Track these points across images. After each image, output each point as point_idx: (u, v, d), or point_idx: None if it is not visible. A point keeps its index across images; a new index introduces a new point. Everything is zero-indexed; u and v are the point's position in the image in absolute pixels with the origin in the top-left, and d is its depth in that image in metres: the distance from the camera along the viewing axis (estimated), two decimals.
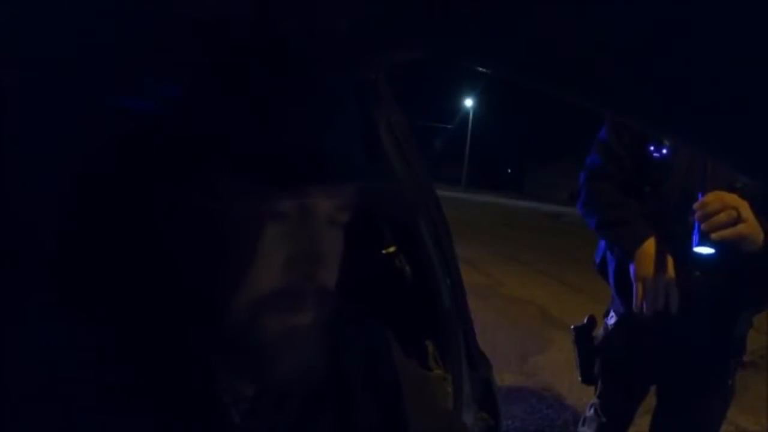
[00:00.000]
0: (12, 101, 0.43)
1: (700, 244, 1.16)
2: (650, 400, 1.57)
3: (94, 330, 0.40)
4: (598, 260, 1.56)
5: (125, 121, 0.42)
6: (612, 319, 1.51)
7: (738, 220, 1.12)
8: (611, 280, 1.48)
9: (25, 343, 0.38)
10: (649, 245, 1.30)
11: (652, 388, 1.56)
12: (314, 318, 0.45)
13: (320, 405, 0.50)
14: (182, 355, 0.43)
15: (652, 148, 1.34)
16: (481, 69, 0.44)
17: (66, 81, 0.43)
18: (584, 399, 2.71)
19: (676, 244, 1.26)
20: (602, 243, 1.54)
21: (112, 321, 0.40)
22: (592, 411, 1.59)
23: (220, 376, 0.45)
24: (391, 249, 1.13)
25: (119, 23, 0.44)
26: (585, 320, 1.58)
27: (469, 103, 37.48)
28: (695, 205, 1.17)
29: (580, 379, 1.60)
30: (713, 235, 1.13)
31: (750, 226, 1.13)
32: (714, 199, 1.15)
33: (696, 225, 1.17)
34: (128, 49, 0.42)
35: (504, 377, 3.10)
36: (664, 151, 1.33)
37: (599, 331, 1.56)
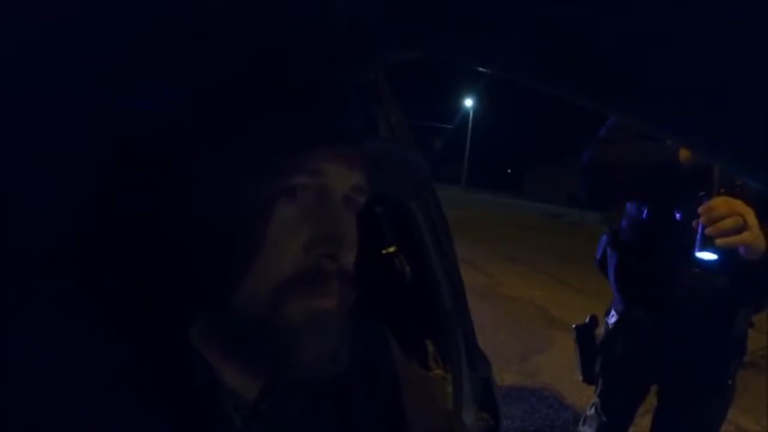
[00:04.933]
0: (14, 101, 0.43)
1: (703, 249, 1.15)
2: (651, 400, 1.57)
3: (95, 331, 0.40)
4: (598, 256, 1.56)
5: (129, 117, 0.42)
6: (613, 318, 1.51)
7: (744, 227, 1.11)
8: (611, 276, 1.48)
9: (25, 344, 0.38)
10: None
11: (653, 388, 1.56)
12: (338, 302, 0.44)
13: (320, 405, 0.50)
14: (183, 358, 0.43)
15: None
16: (481, 69, 0.44)
17: (70, 81, 0.43)
18: (584, 399, 2.71)
19: (677, 242, 1.26)
20: (603, 239, 1.54)
21: (114, 320, 0.40)
22: (592, 410, 1.59)
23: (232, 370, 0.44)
24: (391, 249, 1.13)
25: (122, 26, 0.44)
26: (587, 319, 1.58)
27: (469, 103, 37.51)
28: (700, 209, 1.15)
29: (581, 378, 1.60)
30: (718, 241, 1.12)
31: (755, 234, 1.12)
32: (721, 203, 1.13)
33: (700, 229, 1.15)
34: (133, 51, 0.42)
35: (504, 377, 3.10)
36: None
37: (600, 331, 1.56)
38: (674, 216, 1.28)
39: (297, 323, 0.42)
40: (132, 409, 0.39)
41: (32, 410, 0.36)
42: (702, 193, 1.19)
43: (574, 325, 1.60)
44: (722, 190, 1.17)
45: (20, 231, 0.42)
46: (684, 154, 1.22)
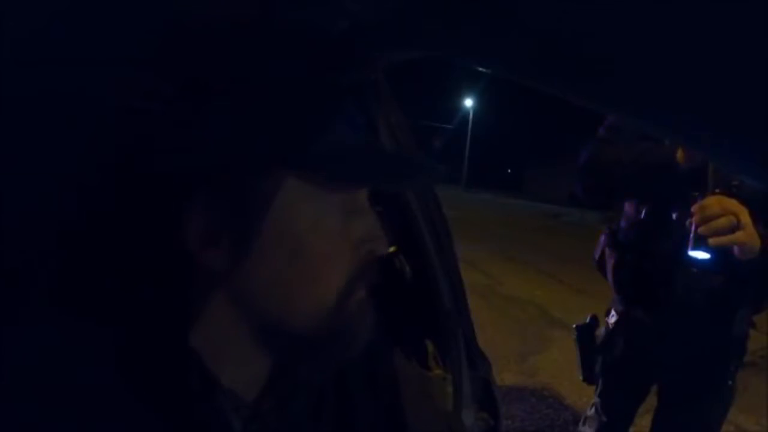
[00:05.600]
0: (12, 101, 0.43)
1: (696, 248, 1.15)
2: (651, 400, 1.57)
3: (97, 332, 0.40)
4: (597, 256, 1.56)
5: (131, 118, 0.42)
6: (613, 318, 1.51)
7: (737, 226, 1.11)
8: (609, 276, 1.48)
9: (23, 344, 0.38)
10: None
11: (653, 388, 1.56)
12: (367, 289, 0.47)
13: (320, 406, 0.50)
14: (181, 361, 0.43)
15: None
16: (481, 69, 0.44)
17: (68, 81, 0.43)
18: (584, 399, 2.71)
19: (674, 242, 1.26)
20: (602, 239, 1.54)
21: (115, 323, 0.40)
22: (593, 410, 1.59)
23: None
24: (391, 249, 1.13)
25: (120, 24, 0.44)
26: (588, 319, 1.58)
27: (469, 103, 37.50)
28: (694, 208, 1.15)
29: (581, 377, 1.60)
30: (710, 241, 1.12)
31: (748, 234, 1.11)
32: (714, 202, 1.13)
33: (693, 227, 1.15)
34: (134, 50, 0.42)
35: (504, 377, 3.10)
36: None
37: (601, 330, 1.56)
38: (671, 216, 1.29)
39: (353, 316, 0.45)
40: (128, 409, 0.39)
41: (30, 410, 0.36)
42: (696, 194, 1.19)
43: (574, 325, 1.60)
44: (717, 190, 1.17)
45: (19, 231, 0.42)
46: (681, 155, 1.22)
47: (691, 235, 1.15)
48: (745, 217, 1.11)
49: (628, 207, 1.46)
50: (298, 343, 0.45)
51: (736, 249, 1.13)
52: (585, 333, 1.58)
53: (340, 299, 0.44)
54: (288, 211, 0.42)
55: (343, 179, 0.43)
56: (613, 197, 1.49)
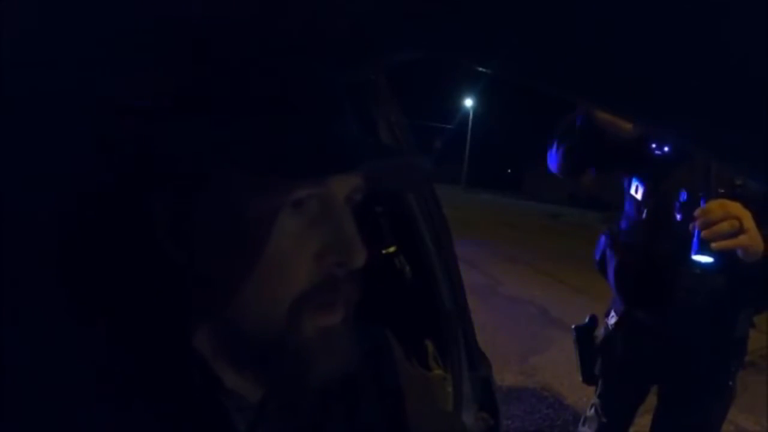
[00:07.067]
0: (12, 101, 0.43)
1: (700, 252, 1.15)
2: (651, 400, 1.57)
3: (97, 332, 0.40)
4: (597, 257, 1.56)
5: (129, 120, 0.42)
6: (613, 319, 1.51)
7: (740, 230, 1.11)
8: (611, 277, 1.48)
9: (25, 345, 0.38)
10: None
11: (653, 388, 1.56)
12: (347, 309, 0.44)
13: (325, 407, 0.50)
14: (184, 361, 0.42)
15: (654, 145, 1.34)
16: (481, 69, 0.44)
17: (66, 80, 0.43)
18: (584, 399, 2.71)
19: (677, 243, 1.26)
20: (601, 240, 1.54)
21: (115, 323, 0.40)
22: (592, 410, 1.59)
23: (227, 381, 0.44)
24: (391, 249, 1.13)
25: (122, 23, 0.44)
26: (587, 320, 1.58)
27: (469, 103, 37.43)
28: (696, 212, 1.15)
29: (581, 378, 1.60)
30: (713, 245, 1.12)
31: (751, 237, 1.11)
32: (717, 207, 1.13)
33: (696, 232, 1.16)
34: (133, 50, 0.42)
35: (504, 377, 3.10)
36: (666, 149, 1.33)
37: (600, 331, 1.56)
38: (675, 217, 1.28)
39: (312, 340, 0.42)
40: (129, 410, 0.39)
41: (32, 411, 0.36)
42: (701, 193, 1.19)
43: (573, 326, 1.60)
44: (721, 191, 1.17)
45: (19, 233, 0.42)
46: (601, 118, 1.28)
47: (695, 239, 1.15)
48: (748, 221, 1.11)
49: (628, 208, 1.46)
50: (247, 349, 0.43)
51: (739, 252, 1.13)
52: (584, 334, 1.58)
53: (293, 312, 0.41)
54: (246, 209, 0.40)
55: (300, 176, 0.40)
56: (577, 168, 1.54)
